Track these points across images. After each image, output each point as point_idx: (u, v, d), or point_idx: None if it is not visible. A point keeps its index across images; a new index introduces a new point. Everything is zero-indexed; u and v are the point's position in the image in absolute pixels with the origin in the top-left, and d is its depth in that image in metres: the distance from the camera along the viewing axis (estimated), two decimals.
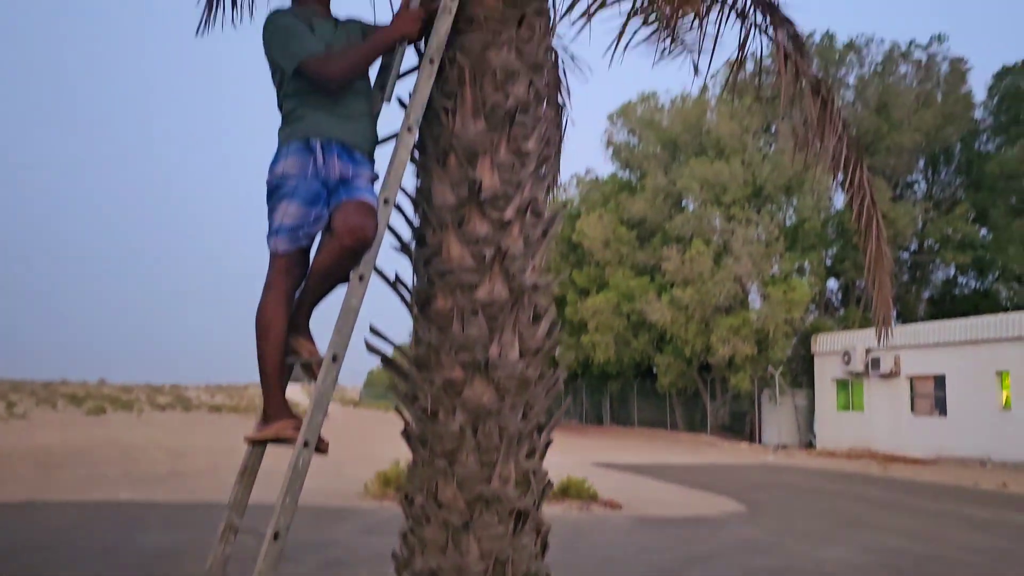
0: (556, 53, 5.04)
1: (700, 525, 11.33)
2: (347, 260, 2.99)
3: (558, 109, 5.15)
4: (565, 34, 4.99)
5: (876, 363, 26.06)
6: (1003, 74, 31.61)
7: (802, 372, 30.09)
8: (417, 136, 3.34)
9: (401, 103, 3.37)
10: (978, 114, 32.11)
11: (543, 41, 3.53)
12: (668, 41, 5.43)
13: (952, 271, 33.46)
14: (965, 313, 28.43)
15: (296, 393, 64.87)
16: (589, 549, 9.09)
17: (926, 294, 34.38)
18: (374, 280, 3.19)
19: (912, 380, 25.60)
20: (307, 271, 3.09)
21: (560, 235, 35.13)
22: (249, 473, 3.18)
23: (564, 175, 35.54)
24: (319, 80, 3.03)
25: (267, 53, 3.11)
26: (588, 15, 4.87)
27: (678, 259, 30.17)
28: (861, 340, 26.73)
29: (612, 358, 32.74)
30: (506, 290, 3.29)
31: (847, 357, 26.97)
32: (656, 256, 32.00)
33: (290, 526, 2.71)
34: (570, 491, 12.79)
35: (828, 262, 32.17)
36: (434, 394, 3.22)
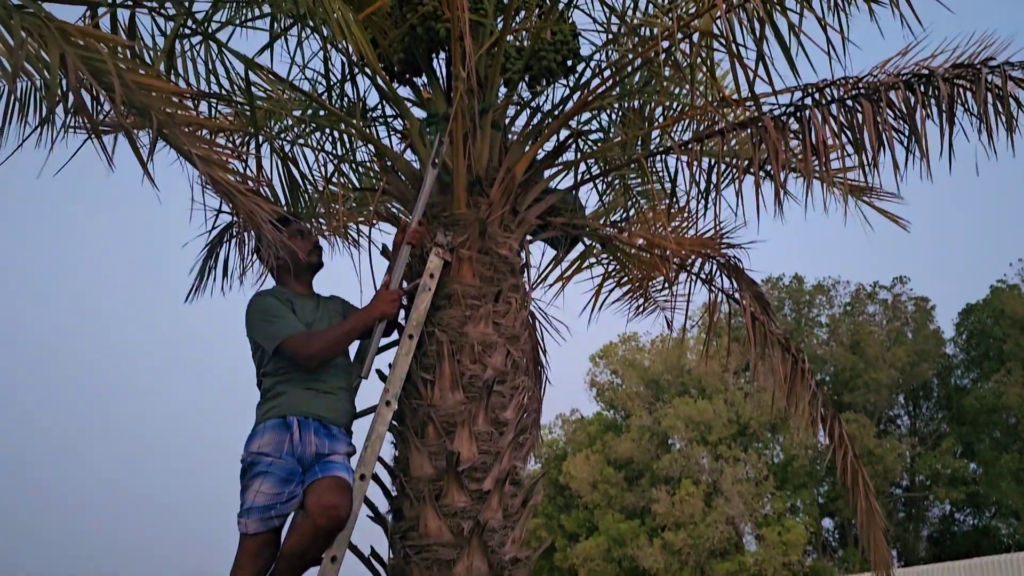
0: (533, 317, 5.22)
1: None
2: (320, 540, 2.90)
3: (537, 370, 5.25)
4: (541, 297, 5.18)
5: None
6: (968, 312, 32.90)
7: None
8: (397, 408, 3.38)
9: (381, 376, 3.42)
10: (948, 350, 32.99)
11: (520, 314, 3.68)
12: (641, 300, 5.68)
13: (948, 507, 32.76)
14: (967, 552, 27.44)
15: None
16: None
17: (924, 532, 33.39)
18: (347, 557, 3.08)
19: None
20: (277, 553, 2.98)
21: (547, 477, 34.51)
22: None
23: (549, 415, 35.56)
24: (298, 359, 3.10)
25: (248, 333, 3.20)
26: (563, 280, 5.10)
27: (668, 500, 29.43)
28: None
29: None
30: (485, 565, 3.18)
31: None
32: (645, 498, 31.22)
33: None
34: None
35: (820, 500, 31.49)
36: None
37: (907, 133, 3.64)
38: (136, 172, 2.55)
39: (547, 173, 4.07)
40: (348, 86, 4.21)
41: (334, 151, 4.55)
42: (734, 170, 4.38)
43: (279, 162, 4.56)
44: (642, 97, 4.28)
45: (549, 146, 3.99)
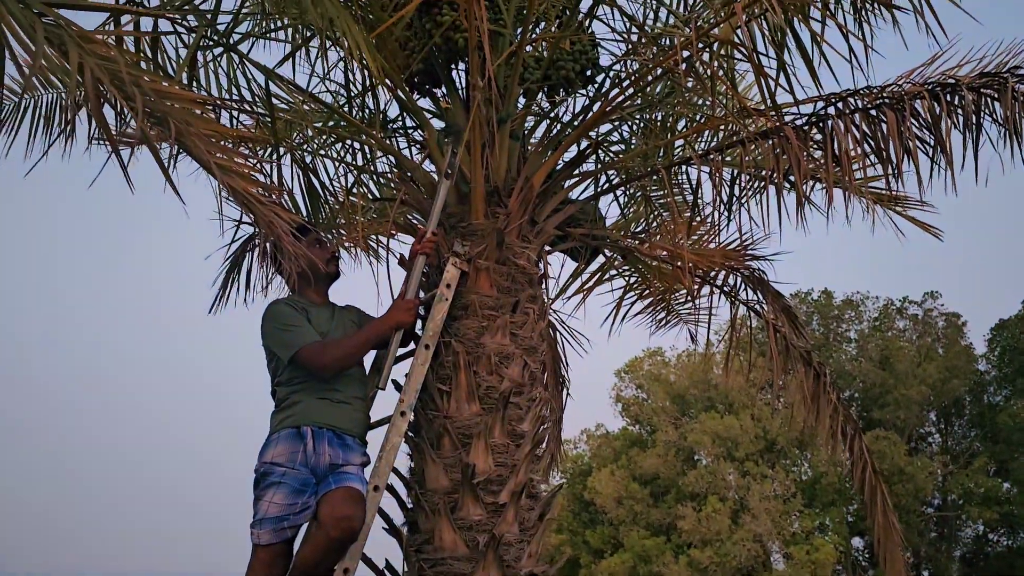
0: (554, 329, 5.18)
1: None
2: (333, 552, 2.88)
3: (558, 382, 5.20)
4: (562, 309, 5.14)
5: None
6: (1000, 327, 32.31)
7: None
8: (411, 419, 3.35)
9: (397, 386, 3.41)
10: (981, 366, 32.41)
11: (537, 325, 3.65)
12: (664, 313, 5.62)
13: (981, 527, 32.09)
14: (1000, 574, 26.85)
15: None
16: None
17: (957, 552, 32.72)
18: (359, 570, 3.06)
19: None
20: (290, 564, 2.96)
21: (572, 492, 34.29)
22: None
23: (575, 430, 35.40)
24: (313, 369, 3.09)
25: (264, 342, 3.20)
26: (583, 291, 5.06)
27: (694, 517, 29.11)
28: None
29: None
30: None
31: None
32: (671, 514, 30.91)
33: None
34: None
35: (850, 518, 30.99)
36: None
37: (932, 143, 3.57)
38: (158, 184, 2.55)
39: (567, 184, 4.04)
40: (368, 98, 4.22)
41: (354, 162, 4.56)
42: (757, 181, 4.33)
43: (300, 173, 4.59)
44: (663, 108, 4.25)
45: (568, 157, 3.97)
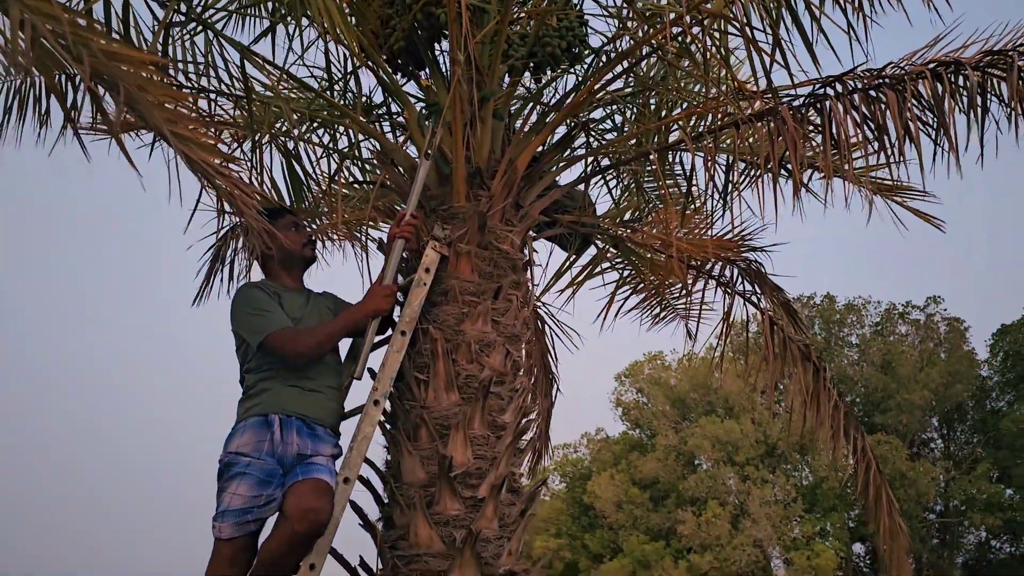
0: (543, 321, 5.03)
1: None
2: (299, 547, 2.73)
3: (547, 378, 5.05)
4: (553, 303, 4.98)
5: None
6: (1003, 333, 32.09)
7: None
8: (387, 409, 3.20)
9: (373, 375, 3.25)
10: (983, 371, 32.20)
11: (521, 312, 3.49)
12: (659, 308, 5.46)
13: (983, 533, 31.86)
14: None
15: None
16: None
17: (959, 559, 32.48)
18: (331, 566, 2.91)
19: None
20: (254, 559, 2.80)
21: (571, 496, 34.08)
22: None
23: (574, 434, 35.24)
24: (284, 356, 2.94)
25: (233, 326, 3.04)
26: (574, 284, 4.90)
27: (694, 522, 28.92)
28: None
29: None
30: None
31: None
32: (671, 519, 30.72)
33: None
34: None
35: (851, 524, 30.76)
36: None
37: (935, 125, 3.42)
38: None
39: (554, 168, 3.89)
40: (352, 82, 4.08)
41: (334, 147, 4.41)
42: (753, 168, 4.17)
43: (282, 159, 4.44)
44: (653, 89, 4.09)
45: (555, 139, 3.81)
